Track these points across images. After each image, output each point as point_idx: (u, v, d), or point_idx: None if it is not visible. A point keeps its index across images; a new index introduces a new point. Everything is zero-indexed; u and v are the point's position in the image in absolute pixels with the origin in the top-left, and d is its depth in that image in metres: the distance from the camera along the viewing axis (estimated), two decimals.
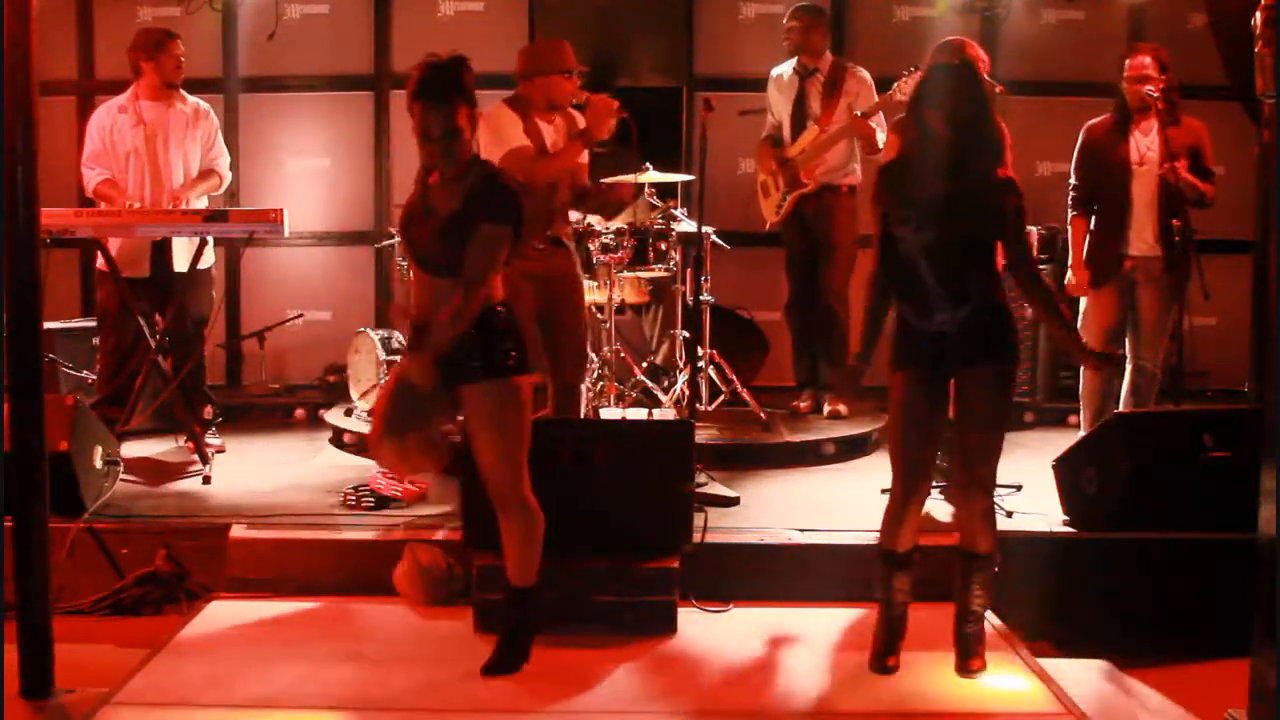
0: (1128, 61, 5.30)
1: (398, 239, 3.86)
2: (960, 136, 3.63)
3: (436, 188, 3.64)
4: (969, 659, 3.82)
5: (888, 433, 3.92)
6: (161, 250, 5.65)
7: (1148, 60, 5.22)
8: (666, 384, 6.28)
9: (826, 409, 6.38)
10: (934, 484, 4.86)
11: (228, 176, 5.98)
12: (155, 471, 5.55)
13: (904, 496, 3.79)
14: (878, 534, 3.90)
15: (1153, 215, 5.22)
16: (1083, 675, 4.03)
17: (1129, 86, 5.24)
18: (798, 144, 6.28)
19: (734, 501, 5.00)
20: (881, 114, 6.05)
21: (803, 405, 6.50)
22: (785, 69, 6.42)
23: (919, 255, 3.64)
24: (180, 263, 5.64)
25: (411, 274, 3.89)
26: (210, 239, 5.53)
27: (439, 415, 3.74)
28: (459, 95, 3.51)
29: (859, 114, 6.03)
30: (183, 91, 5.82)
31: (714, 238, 6.29)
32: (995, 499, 4.67)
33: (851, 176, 6.35)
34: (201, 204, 5.80)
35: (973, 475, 3.76)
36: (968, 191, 3.65)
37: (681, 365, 6.22)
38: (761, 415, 6.06)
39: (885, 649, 3.84)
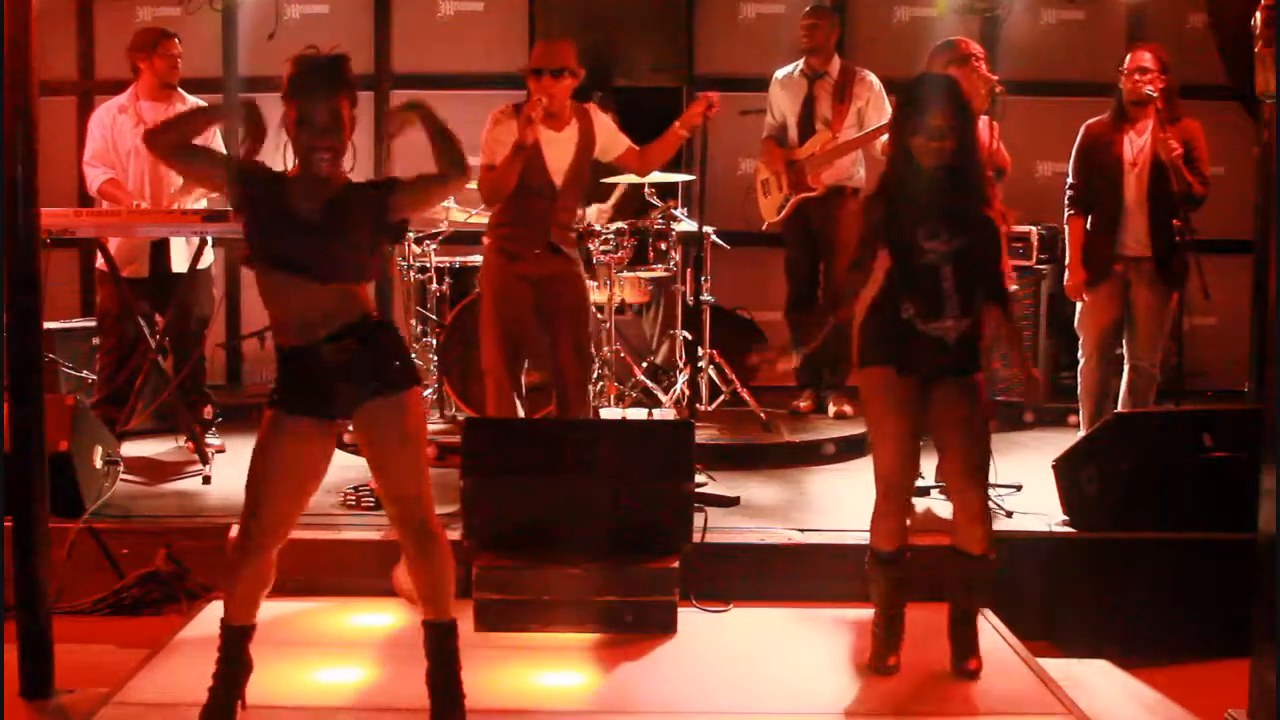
0: (1128, 56, 5.30)
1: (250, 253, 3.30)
2: (954, 149, 3.62)
3: (298, 184, 3.40)
4: (965, 659, 3.81)
5: (871, 431, 3.87)
6: (160, 250, 5.65)
7: (1148, 56, 5.22)
8: (666, 384, 6.28)
9: (832, 409, 6.36)
10: (935, 484, 4.88)
11: None
12: (155, 471, 5.56)
13: (892, 494, 3.78)
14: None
15: (1144, 215, 5.21)
16: (1083, 675, 4.03)
17: (1126, 80, 5.24)
18: (806, 147, 6.24)
19: (734, 501, 5.00)
20: None
21: (803, 405, 6.49)
22: (791, 70, 6.40)
23: (943, 263, 3.62)
24: (180, 263, 5.64)
25: (267, 291, 3.27)
26: (210, 239, 5.53)
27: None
28: (345, 88, 3.36)
29: None
30: (182, 91, 5.82)
31: (714, 238, 6.28)
32: (995, 499, 4.69)
33: (856, 179, 6.34)
34: (201, 204, 5.81)
35: (968, 477, 3.76)
36: (970, 202, 3.66)
37: (681, 365, 6.22)
38: (761, 415, 6.06)
39: (885, 649, 3.84)
